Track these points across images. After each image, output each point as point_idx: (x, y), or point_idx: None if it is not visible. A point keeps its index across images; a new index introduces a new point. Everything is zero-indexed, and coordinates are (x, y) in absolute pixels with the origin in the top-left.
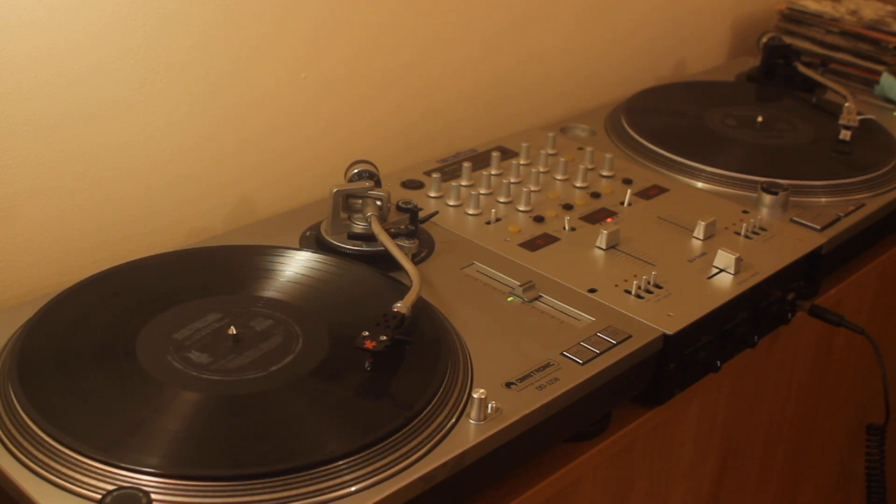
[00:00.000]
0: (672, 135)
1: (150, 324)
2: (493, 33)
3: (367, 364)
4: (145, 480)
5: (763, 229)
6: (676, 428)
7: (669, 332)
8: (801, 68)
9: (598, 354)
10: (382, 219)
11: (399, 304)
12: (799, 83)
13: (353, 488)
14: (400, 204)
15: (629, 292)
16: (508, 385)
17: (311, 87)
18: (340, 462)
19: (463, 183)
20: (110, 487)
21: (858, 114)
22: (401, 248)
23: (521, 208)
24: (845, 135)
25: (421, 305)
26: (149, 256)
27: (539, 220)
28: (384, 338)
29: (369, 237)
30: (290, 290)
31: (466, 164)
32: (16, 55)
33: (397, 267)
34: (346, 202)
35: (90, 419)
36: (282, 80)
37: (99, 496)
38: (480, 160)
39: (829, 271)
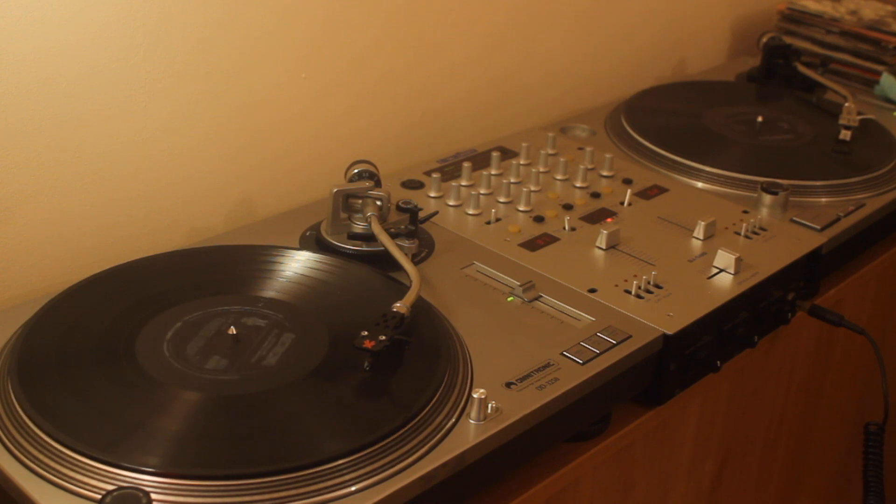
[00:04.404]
0: (672, 135)
1: (150, 324)
2: (493, 33)
3: (366, 364)
4: (145, 480)
5: (763, 229)
6: (676, 428)
7: (669, 332)
8: (801, 68)
9: (598, 354)
10: (382, 219)
11: (398, 304)
12: (799, 83)
13: (353, 488)
14: (400, 204)
15: (629, 292)
16: (508, 385)
17: (311, 87)
18: (340, 462)
19: (463, 183)
20: (110, 487)
21: (858, 114)
22: (401, 248)
23: (521, 208)
24: (845, 135)
25: (421, 305)
26: (149, 256)
27: (539, 220)
28: (383, 338)
29: (369, 237)
30: (290, 290)
31: (466, 164)
32: (16, 55)
33: (397, 267)
34: (346, 202)
35: (90, 419)
36: (282, 80)
37: (99, 496)
38: (480, 160)
39: (829, 271)
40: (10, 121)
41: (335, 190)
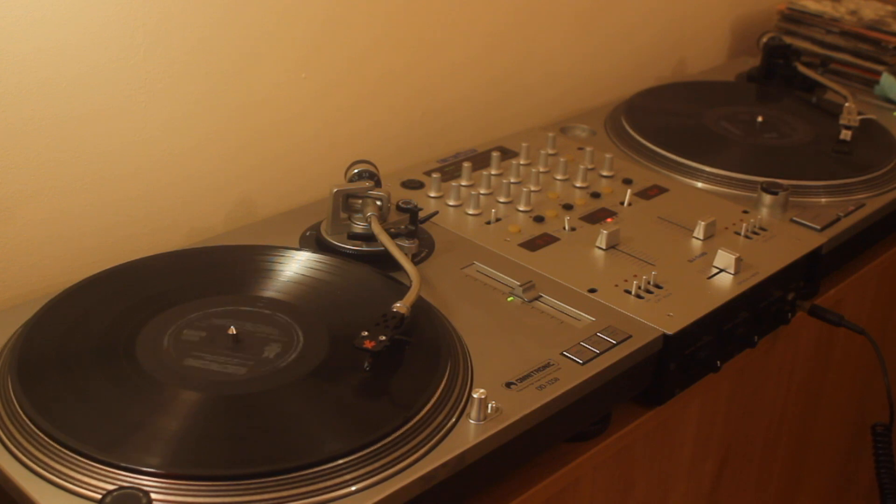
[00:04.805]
0: (672, 135)
1: (150, 324)
2: (493, 33)
3: (366, 364)
4: (145, 480)
5: (763, 229)
6: (676, 428)
7: (669, 332)
8: (801, 68)
9: (598, 354)
10: (382, 219)
11: (399, 304)
12: (799, 83)
13: (353, 488)
14: (400, 204)
15: (629, 292)
16: (508, 385)
17: (311, 87)
18: (340, 462)
19: (463, 183)
20: (110, 487)
21: (858, 114)
22: (401, 248)
23: (521, 208)
24: (845, 135)
25: (421, 305)
26: (149, 256)
27: (539, 220)
28: (383, 338)
29: (369, 237)
30: (290, 290)
31: (466, 164)
32: (16, 55)
33: (397, 267)
34: (346, 202)
35: (90, 419)
36: (282, 80)
37: (99, 496)
38: (480, 160)
39: (829, 271)
40: (10, 121)
41: (335, 190)
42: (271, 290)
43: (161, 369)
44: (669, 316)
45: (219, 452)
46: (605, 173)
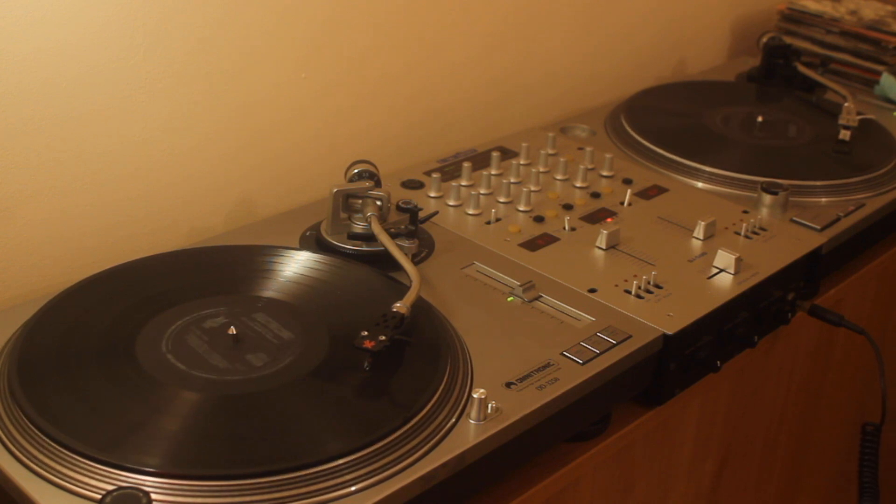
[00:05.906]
0: (672, 135)
1: (150, 324)
2: (493, 33)
3: (366, 364)
4: (145, 480)
5: (763, 229)
6: (676, 428)
7: (669, 332)
8: (801, 68)
9: (598, 354)
10: (382, 219)
11: (398, 304)
12: (799, 83)
13: (353, 488)
14: (400, 204)
15: (629, 292)
16: (508, 385)
17: (311, 87)
18: (340, 462)
19: (463, 183)
20: (110, 487)
21: (858, 114)
22: (401, 248)
23: (521, 208)
24: (845, 135)
25: (421, 305)
26: (149, 256)
27: (539, 220)
28: (383, 338)
29: (369, 237)
30: (290, 290)
31: (466, 164)
32: (16, 55)
33: (397, 267)
34: (346, 202)
35: (90, 419)
36: (282, 80)
37: (99, 496)
38: (480, 160)
39: (829, 271)
40: (10, 121)
41: (335, 190)
42: (271, 290)
43: (161, 369)
44: (669, 316)
45: (219, 452)
46: (605, 173)
